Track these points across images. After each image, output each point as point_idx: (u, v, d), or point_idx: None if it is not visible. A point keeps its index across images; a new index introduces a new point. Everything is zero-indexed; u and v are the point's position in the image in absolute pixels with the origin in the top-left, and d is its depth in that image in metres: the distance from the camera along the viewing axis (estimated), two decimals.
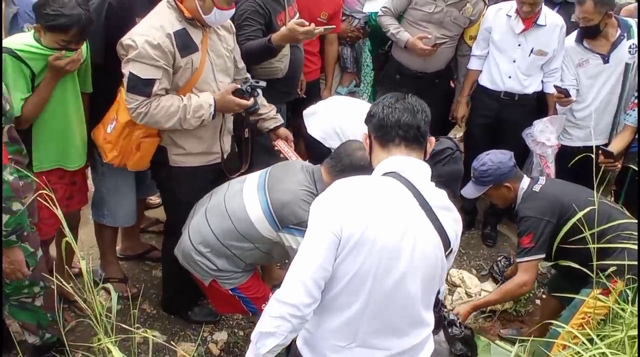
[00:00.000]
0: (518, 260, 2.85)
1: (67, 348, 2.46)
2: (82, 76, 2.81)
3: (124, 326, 2.16)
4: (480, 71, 4.00)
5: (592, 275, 2.28)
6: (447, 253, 1.81)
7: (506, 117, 3.94)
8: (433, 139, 1.92)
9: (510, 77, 3.86)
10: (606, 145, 3.65)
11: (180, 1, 2.61)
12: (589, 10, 3.46)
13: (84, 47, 2.71)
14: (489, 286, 3.70)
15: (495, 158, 2.95)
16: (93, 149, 3.09)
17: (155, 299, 3.40)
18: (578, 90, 3.75)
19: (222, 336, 3.21)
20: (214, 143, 2.85)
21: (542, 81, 3.91)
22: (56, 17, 2.44)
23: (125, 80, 2.57)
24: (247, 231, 2.57)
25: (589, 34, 3.60)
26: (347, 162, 2.54)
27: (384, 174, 1.80)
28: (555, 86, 3.66)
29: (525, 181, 2.95)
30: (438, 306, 2.12)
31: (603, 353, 1.97)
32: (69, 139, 2.78)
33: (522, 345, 2.42)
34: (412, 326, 1.84)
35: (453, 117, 4.24)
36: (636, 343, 2.04)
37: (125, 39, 2.56)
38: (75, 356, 2.71)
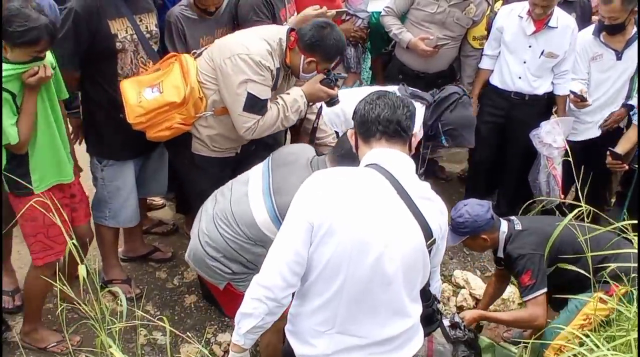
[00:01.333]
0: (524, 298, 2.84)
1: (71, 350, 2.46)
2: (55, 84, 2.69)
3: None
4: (492, 70, 3.98)
5: (590, 278, 2.30)
6: (428, 243, 1.83)
7: (515, 117, 3.93)
8: (417, 133, 1.94)
9: (520, 77, 3.85)
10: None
11: (290, 48, 2.76)
12: (616, 9, 3.42)
13: (49, 55, 2.58)
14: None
15: (472, 211, 2.90)
16: (91, 156, 3.09)
17: (158, 301, 3.40)
18: (588, 85, 3.72)
19: (225, 337, 3.20)
20: (235, 147, 3.00)
21: (552, 83, 3.88)
22: (24, 32, 2.35)
23: (241, 99, 2.67)
24: (257, 236, 2.55)
25: (613, 30, 3.55)
26: (348, 146, 2.53)
27: (366, 166, 1.85)
28: (572, 91, 3.64)
29: (504, 225, 2.93)
30: (430, 300, 2.10)
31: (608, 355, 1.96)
32: (59, 150, 2.70)
33: (525, 346, 2.41)
34: (393, 315, 1.85)
35: None
36: None
37: (242, 55, 2.65)
38: None
